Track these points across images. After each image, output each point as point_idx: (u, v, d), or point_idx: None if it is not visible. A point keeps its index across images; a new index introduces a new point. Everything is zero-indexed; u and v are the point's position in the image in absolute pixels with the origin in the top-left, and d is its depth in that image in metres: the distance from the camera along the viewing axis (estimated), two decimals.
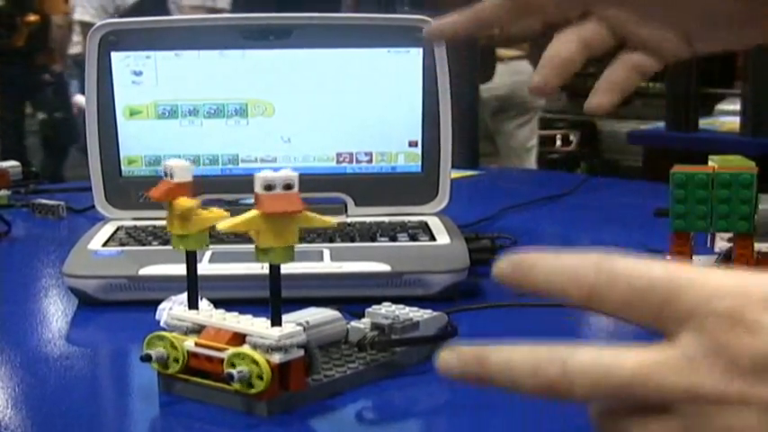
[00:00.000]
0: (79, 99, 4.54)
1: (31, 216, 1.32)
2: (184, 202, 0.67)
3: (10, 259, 1.14)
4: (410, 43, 1.05)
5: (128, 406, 0.73)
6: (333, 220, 0.68)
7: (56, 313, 0.93)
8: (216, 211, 0.69)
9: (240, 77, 1.06)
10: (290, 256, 0.64)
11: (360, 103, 1.07)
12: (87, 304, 0.92)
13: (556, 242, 1.26)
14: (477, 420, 0.67)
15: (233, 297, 0.81)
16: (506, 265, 0.45)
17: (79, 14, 3.50)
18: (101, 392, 0.75)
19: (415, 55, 1.06)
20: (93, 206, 1.10)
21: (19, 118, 5.09)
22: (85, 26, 2.79)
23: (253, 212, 0.63)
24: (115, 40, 1.05)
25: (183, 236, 0.68)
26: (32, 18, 5.01)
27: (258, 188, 0.63)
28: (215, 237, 0.97)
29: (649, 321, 0.41)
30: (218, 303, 0.76)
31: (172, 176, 0.68)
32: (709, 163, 0.69)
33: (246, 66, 1.06)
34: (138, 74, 1.05)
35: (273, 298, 0.65)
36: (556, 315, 0.88)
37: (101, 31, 1.05)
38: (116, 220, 1.07)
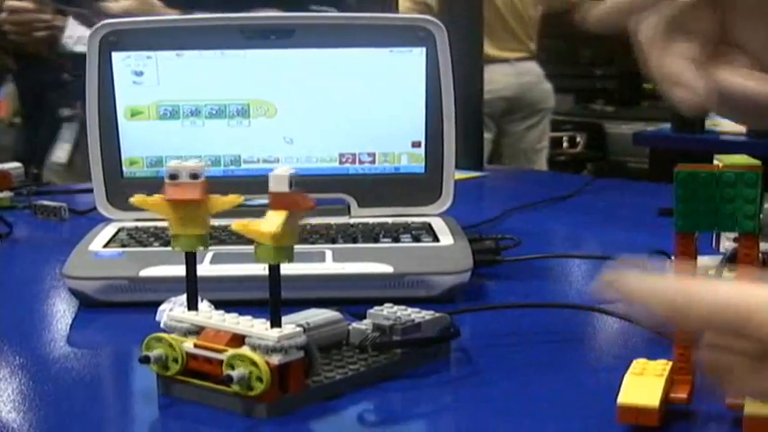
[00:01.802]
0: None
1: (34, 218, 1.32)
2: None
3: (11, 261, 1.14)
4: (413, 43, 1.05)
5: (127, 408, 0.72)
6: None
7: (56, 315, 0.92)
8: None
9: (242, 78, 1.06)
10: (289, 256, 0.63)
11: (362, 103, 1.07)
12: (88, 306, 0.91)
13: (560, 243, 1.25)
14: (478, 422, 0.66)
15: (235, 298, 0.81)
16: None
17: None
18: (100, 394, 0.75)
19: (418, 55, 1.05)
20: (96, 208, 1.09)
21: (40, 118, 5.08)
22: None
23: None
24: (116, 41, 1.04)
25: (183, 236, 0.68)
26: None
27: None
28: (216, 238, 0.97)
29: None
30: (219, 305, 0.75)
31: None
32: (715, 161, 0.68)
33: (248, 66, 1.05)
34: (139, 74, 1.05)
35: (273, 299, 0.64)
36: (558, 316, 0.87)
37: (101, 32, 1.04)
38: (118, 221, 1.06)
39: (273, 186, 0.64)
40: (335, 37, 1.06)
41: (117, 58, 1.05)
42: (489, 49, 3.34)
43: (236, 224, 0.64)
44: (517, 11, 3.44)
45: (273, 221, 0.63)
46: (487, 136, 3.41)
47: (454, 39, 1.07)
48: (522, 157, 3.56)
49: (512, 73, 3.40)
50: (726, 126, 2.68)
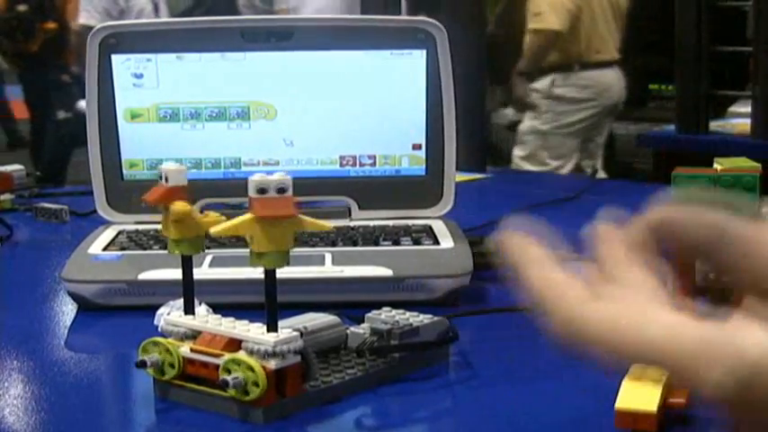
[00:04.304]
0: (82, 104, 4.56)
1: (34, 220, 1.32)
2: (180, 206, 0.67)
3: (12, 263, 1.13)
4: (413, 45, 1.04)
5: (124, 412, 0.72)
6: (328, 223, 0.66)
7: (55, 318, 0.92)
8: (211, 216, 0.68)
9: (242, 80, 1.05)
10: (285, 260, 0.63)
11: (363, 105, 1.06)
12: (87, 309, 0.91)
13: (563, 245, 1.25)
14: (476, 427, 0.66)
15: (233, 302, 0.81)
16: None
17: (84, 19, 3.44)
18: (98, 398, 0.74)
19: (419, 57, 1.05)
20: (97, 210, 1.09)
21: (43, 121, 5.12)
22: (90, 30, 2.78)
23: (246, 216, 0.62)
24: (115, 43, 1.04)
25: (178, 240, 0.67)
26: (50, 25, 5.04)
27: (251, 191, 0.62)
28: (215, 241, 0.96)
29: None
30: (218, 308, 0.75)
31: (167, 180, 0.67)
32: (714, 165, 0.68)
33: (248, 68, 1.05)
34: (139, 76, 1.05)
35: (269, 303, 0.64)
36: None
37: (101, 34, 1.04)
38: (118, 223, 1.06)
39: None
40: (335, 39, 1.05)
41: (117, 60, 1.04)
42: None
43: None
44: (618, 8, 3.48)
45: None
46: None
47: (457, 39, 1.07)
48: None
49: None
50: (730, 127, 2.67)
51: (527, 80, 3.48)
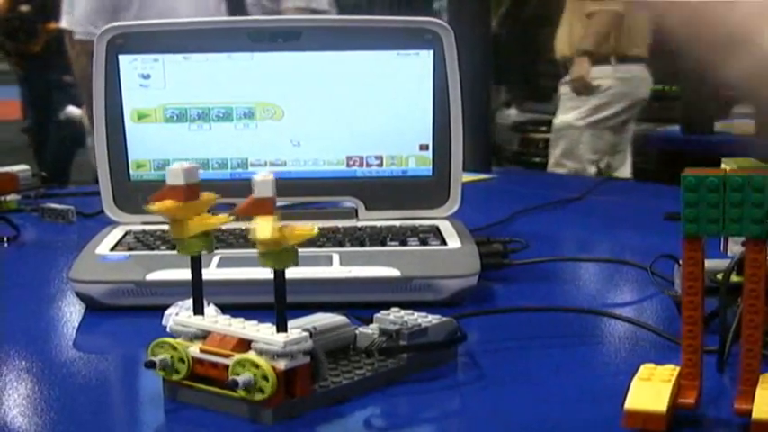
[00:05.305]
0: (69, 110, 4.60)
1: (41, 220, 1.32)
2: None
3: (18, 264, 1.14)
4: (420, 46, 1.05)
5: (133, 412, 0.72)
6: (314, 228, 0.64)
7: (63, 318, 0.92)
8: (220, 217, 0.68)
9: (248, 80, 1.05)
10: (294, 260, 0.63)
11: (370, 106, 1.06)
12: (94, 309, 0.91)
13: (569, 246, 1.25)
14: (484, 427, 0.66)
15: (242, 302, 0.81)
16: None
17: (66, 23, 3.41)
18: (106, 398, 0.74)
19: (426, 57, 1.05)
20: (103, 210, 1.09)
21: (45, 121, 5.13)
22: (69, 34, 2.76)
23: None
24: (123, 43, 1.04)
25: (191, 240, 0.67)
26: (53, 26, 5.04)
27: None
28: (224, 241, 0.97)
29: None
30: (226, 308, 0.75)
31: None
32: (722, 166, 0.68)
33: (255, 68, 1.05)
34: (146, 77, 1.05)
35: (278, 303, 0.64)
36: (566, 320, 0.87)
37: (108, 34, 1.04)
38: (125, 224, 1.06)
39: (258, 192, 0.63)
40: (342, 40, 1.05)
41: (124, 60, 1.05)
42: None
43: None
44: None
45: (266, 227, 0.62)
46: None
47: (462, 38, 1.07)
48: None
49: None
50: (735, 128, 2.67)
51: (590, 61, 3.42)
